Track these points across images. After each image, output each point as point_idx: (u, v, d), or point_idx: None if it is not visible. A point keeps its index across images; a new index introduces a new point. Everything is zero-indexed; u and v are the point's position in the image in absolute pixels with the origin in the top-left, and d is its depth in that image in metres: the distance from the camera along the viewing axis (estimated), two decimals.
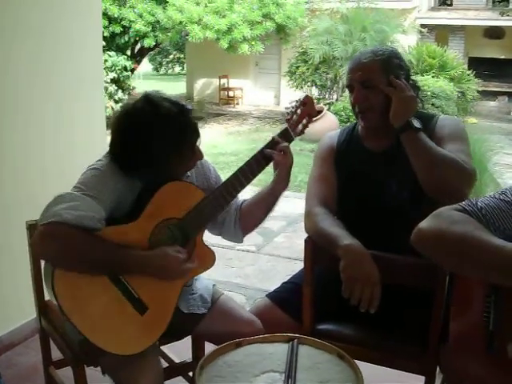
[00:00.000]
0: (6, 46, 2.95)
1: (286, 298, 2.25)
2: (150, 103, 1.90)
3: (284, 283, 2.36)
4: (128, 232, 1.87)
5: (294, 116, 2.12)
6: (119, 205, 1.91)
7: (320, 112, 10.81)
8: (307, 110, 2.13)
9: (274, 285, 2.41)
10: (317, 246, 2.07)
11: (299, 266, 2.48)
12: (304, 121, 2.13)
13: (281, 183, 2.11)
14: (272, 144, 2.07)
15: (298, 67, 13.92)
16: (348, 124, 2.51)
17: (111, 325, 1.86)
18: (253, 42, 13.83)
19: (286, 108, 2.15)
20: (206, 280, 2.27)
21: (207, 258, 2.01)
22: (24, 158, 3.10)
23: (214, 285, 2.27)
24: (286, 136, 2.10)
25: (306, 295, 2.10)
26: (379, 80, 2.08)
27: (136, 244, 1.87)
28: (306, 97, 2.16)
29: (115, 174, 1.89)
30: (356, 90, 2.12)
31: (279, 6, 13.88)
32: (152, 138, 1.88)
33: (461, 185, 1.95)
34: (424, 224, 1.55)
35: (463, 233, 1.46)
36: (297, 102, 2.13)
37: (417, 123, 2.02)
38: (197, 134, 1.99)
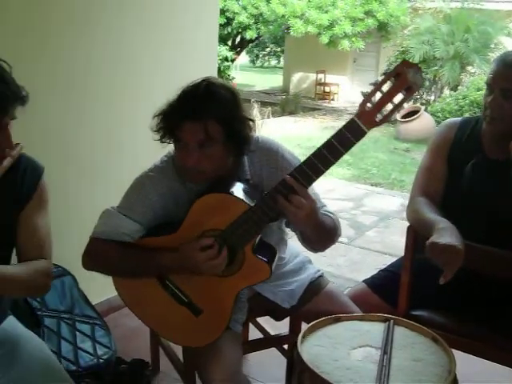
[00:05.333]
0: (120, 39, 3.15)
1: (382, 284, 2.34)
2: None
3: (381, 271, 2.45)
4: (169, 244, 1.88)
5: (378, 94, 1.59)
6: (165, 212, 1.95)
7: (417, 112, 10.68)
8: (403, 83, 1.55)
9: (364, 276, 2.46)
10: (418, 235, 2.12)
11: (389, 260, 2.56)
12: (397, 98, 1.57)
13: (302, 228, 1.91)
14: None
15: None
16: (471, 117, 2.37)
17: (169, 322, 2.01)
18: (353, 39, 13.84)
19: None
20: (311, 271, 2.26)
21: (259, 271, 1.88)
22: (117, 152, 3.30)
23: (320, 276, 2.25)
24: (353, 131, 1.61)
25: (403, 281, 2.18)
26: None
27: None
28: (402, 63, 1.56)
29: (156, 185, 1.93)
30: (494, 95, 2.02)
31: (382, 4, 13.83)
32: None
33: None
34: None
35: None
36: (384, 75, 1.59)
37: None
38: None
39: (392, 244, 4.92)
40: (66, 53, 2.86)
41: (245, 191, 1.87)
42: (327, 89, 18.15)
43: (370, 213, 5.94)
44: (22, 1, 2.64)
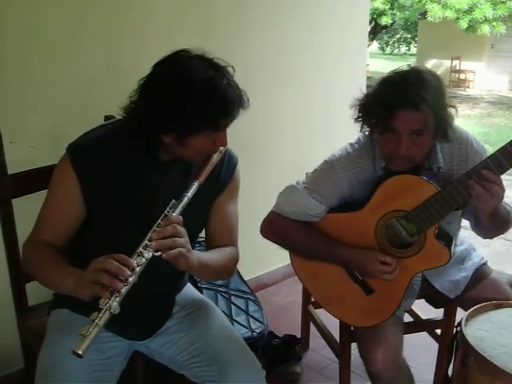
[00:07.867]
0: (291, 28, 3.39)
1: None
2: None
3: None
4: (352, 221, 1.96)
5: None
6: (351, 197, 1.99)
7: None
8: None
9: (508, 268, 2.40)
10: None
11: None
12: None
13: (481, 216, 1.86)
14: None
15: None
16: None
17: (338, 298, 2.07)
18: (494, 23, 13.17)
19: None
20: (476, 259, 2.22)
21: (439, 255, 1.91)
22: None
23: (484, 263, 2.22)
24: None
25: None
26: None
27: (360, 234, 1.94)
28: None
29: (347, 174, 1.96)
30: None
31: None
32: None
33: None
34: None
35: None
36: None
37: None
38: None
39: None
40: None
41: (431, 178, 1.87)
42: (462, 76, 17.57)
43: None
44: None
